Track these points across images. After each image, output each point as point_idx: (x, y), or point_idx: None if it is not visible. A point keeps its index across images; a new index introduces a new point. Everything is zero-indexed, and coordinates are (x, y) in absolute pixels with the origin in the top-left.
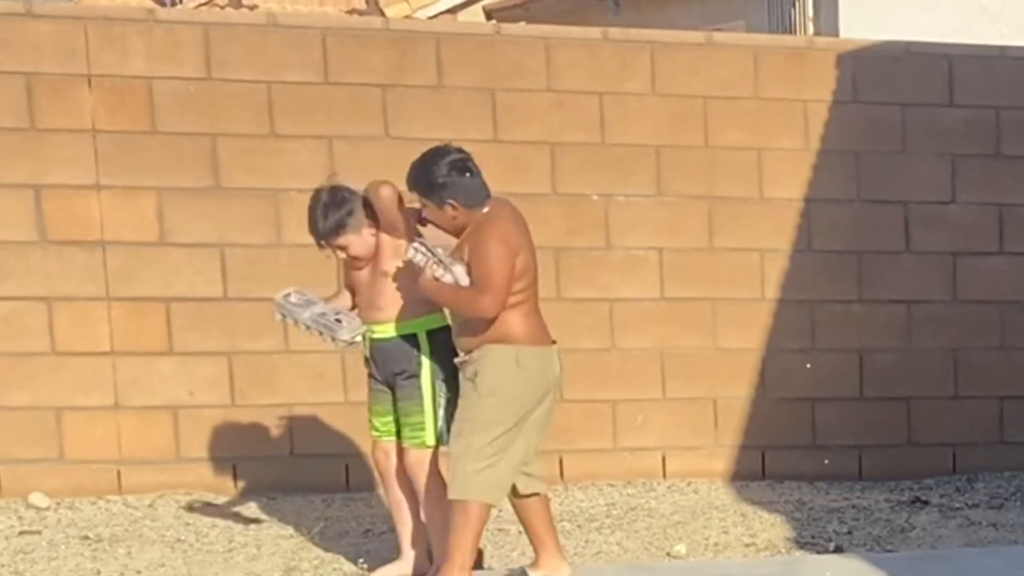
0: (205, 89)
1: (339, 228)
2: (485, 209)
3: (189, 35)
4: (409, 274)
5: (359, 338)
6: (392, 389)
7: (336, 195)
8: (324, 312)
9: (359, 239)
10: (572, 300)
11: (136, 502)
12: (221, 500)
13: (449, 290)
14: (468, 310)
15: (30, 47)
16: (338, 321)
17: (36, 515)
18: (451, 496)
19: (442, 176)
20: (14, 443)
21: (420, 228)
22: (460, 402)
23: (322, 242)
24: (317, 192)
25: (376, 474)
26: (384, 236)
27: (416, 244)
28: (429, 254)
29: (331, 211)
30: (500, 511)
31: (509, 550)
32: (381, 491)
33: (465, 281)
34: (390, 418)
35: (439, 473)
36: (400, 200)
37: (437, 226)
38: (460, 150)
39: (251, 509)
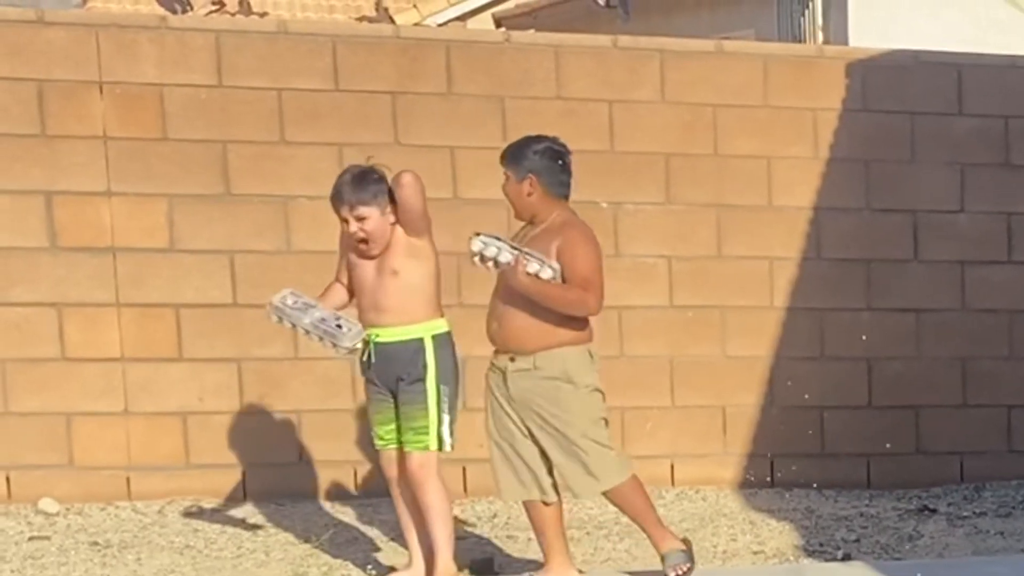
0: (216, 96)
1: (367, 197)
2: (555, 213)
3: (200, 42)
4: (417, 276)
5: (360, 345)
6: (393, 394)
7: (373, 171)
8: (324, 317)
9: (380, 218)
10: None
11: (145, 508)
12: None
13: (551, 288)
14: (573, 309)
15: (42, 54)
16: (339, 327)
17: (46, 521)
18: (604, 488)
19: (534, 151)
20: (24, 449)
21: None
22: (559, 413)
23: (344, 208)
24: (353, 165)
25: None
26: (399, 232)
27: (483, 236)
28: (504, 245)
29: (364, 180)
30: (508, 518)
31: (519, 555)
32: (389, 497)
33: (559, 279)
34: (394, 426)
35: (439, 477)
36: (423, 193)
37: (507, 197)
38: (565, 146)
39: (251, 514)
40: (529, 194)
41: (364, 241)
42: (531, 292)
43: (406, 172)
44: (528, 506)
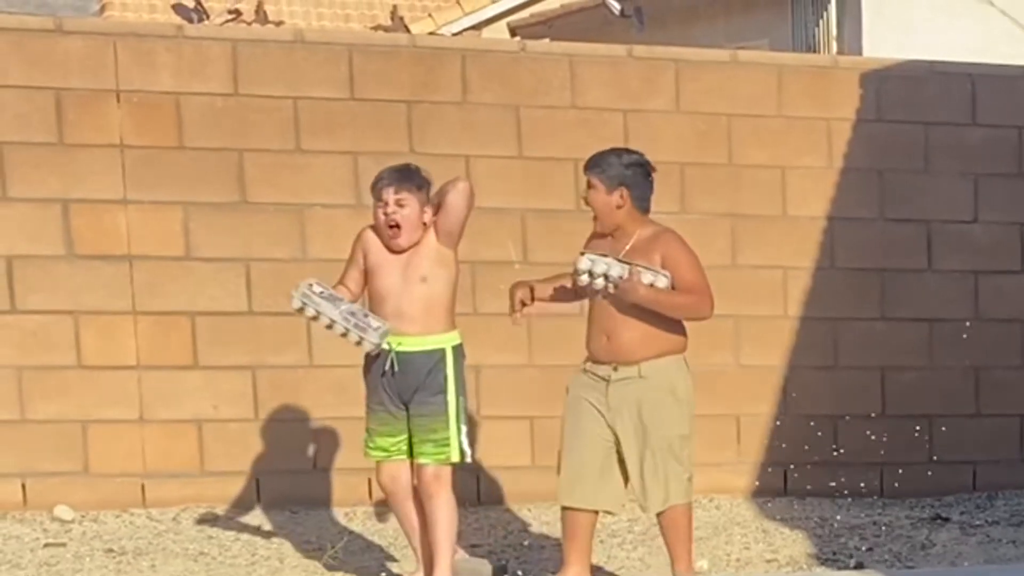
0: (232, 105)
1: (412, 186)
2: (639, 226)
3: (217, 51)
4: (442, 285)
5: (385, 345)
6: (406, 405)
7: (421, 170)
8: (354, 311)
9: (418, 211)
10: None
11: (160, 515)
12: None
13: (670, 296)
14: (691, 313)
15: (59, 63)
16: (368, 322)
17: (61, 528)
18: (670, 503)
19: (626, 164)
20: (40, 456)
21: None
22: (657, 422)
23: (389, 190)
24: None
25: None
26: (431, 238)
27: (589, 254)
28: (612, 260)
29: (413, 172)
30: (523, 526)
31: (533, 564)
32: None
33: (671, 287)
34: (403, 437)
35: (451, 488)
36: (472, 205)
37: (592, 208)
38: (650, 161)
39: (265, 521)
40: (619, 207)
41: (397, 226)
42: (650, 302)
43: (464, 179)
44: (573, 513)
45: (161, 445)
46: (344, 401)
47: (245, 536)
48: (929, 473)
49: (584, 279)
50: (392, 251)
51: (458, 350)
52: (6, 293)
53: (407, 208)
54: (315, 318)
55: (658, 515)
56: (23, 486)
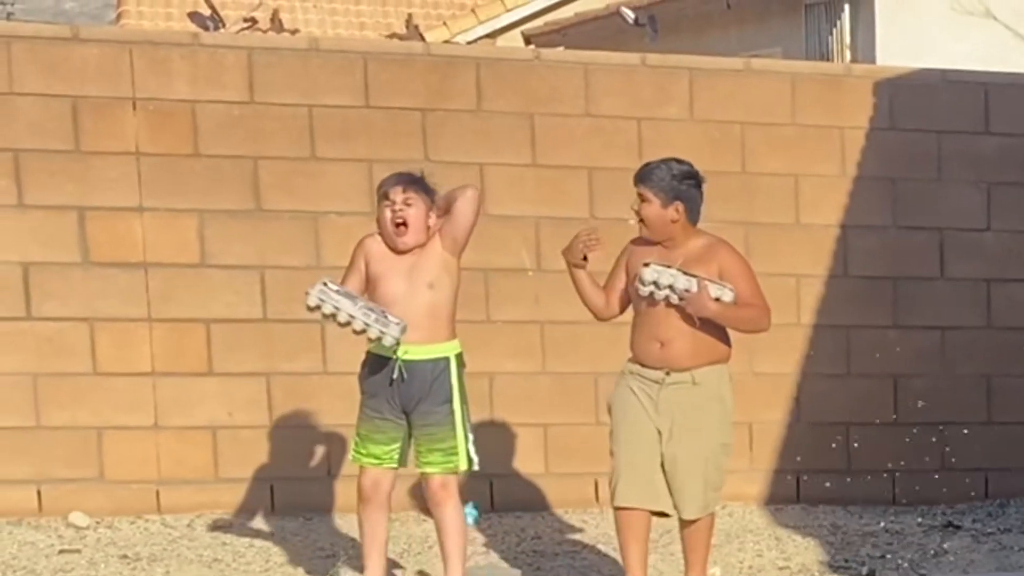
0: (248, 112)
1: (419, 189)
2: (691, 237)
3: (232, 59)
4: (447, 292)
5: (400, 343)
6: (406, 414)
7: (429, 177)
8: (371, 307)
9: (423, 212)
10: (607, 324)
11: (175, 521)
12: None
13: (736, 310)
14: (755, 326)
15: (76, 70)
16: (386, 317)
17: (76, 534)
18: (701, 513)
19: (680, 179)
20: (55, 462)
21: None
22: (705, 427)
23: (396, 189)
24: None
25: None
26: (437, 245)
27: (654, 265)
28: (676, 272)
29: (420, 178)
30: (536, 533)
31: (547, 572)
32: (415, 512)
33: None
34: (397, 446)
35: (458, 496)
36: (478, 213)
37: (641, 221)
38: (700, 172)
39: (279, 528)
40: (674, 220)
41: (404, 224)
42: (718, 316)
43: (473, 186)
44: (628, 514)
45: (176, 451)
46: (358, 407)
47: (259, 542)
48: (941, 481)
49: (648, 290)
50: (397, 251)
51: (460, 359)
52: (22, 300)
53: (414, 207)
54: (332, 315)
55: (682, 521)
56: (38, 492)
